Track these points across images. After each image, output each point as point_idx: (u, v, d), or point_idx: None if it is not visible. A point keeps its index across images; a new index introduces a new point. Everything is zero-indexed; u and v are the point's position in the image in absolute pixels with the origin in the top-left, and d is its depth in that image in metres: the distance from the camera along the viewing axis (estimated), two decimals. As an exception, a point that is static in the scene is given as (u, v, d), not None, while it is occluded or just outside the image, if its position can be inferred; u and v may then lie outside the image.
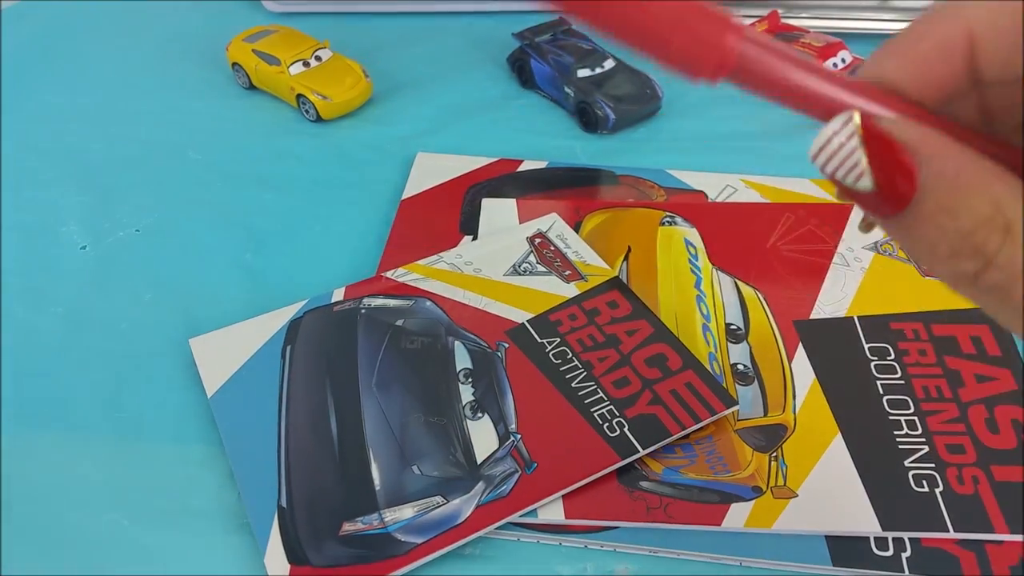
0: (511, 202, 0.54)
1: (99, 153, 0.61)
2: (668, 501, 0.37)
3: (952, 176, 0.15)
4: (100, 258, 0.52)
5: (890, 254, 0.49)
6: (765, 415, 0.41)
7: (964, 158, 0.15)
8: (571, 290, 0.46)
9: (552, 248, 0.49)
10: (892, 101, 0.16)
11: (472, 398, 0.41)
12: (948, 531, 0.35)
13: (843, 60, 0.63)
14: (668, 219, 0.52)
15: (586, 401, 0.40)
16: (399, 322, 0.44)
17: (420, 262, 0.48)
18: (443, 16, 0.77)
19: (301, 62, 0.64)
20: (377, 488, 0.37)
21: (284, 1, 0.76)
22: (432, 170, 0.57)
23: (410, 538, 0.35)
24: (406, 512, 0.36)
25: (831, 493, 0.37)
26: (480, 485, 0.37)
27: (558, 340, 0.43)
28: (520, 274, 0.48)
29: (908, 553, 0.35)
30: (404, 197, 0.55)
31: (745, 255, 0.49)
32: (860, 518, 0.36)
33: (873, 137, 0.15)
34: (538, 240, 0.50)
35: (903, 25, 0.67)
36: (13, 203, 0.56)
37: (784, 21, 0.68)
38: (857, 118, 0.15)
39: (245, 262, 0.51)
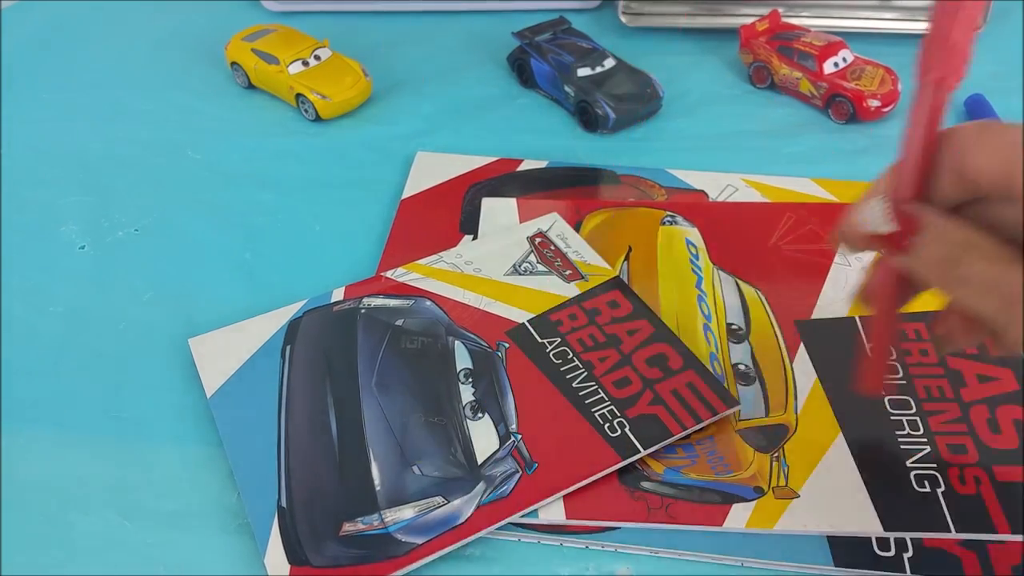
0: (511, 202, 0.54)
1: (99, 153, 0.61)
2: (669, 501, 0.37)
3: (941, 220, 0.26)
4: (100, 258, 0.52)
5: (891, 253, 0.49)
6: (766, 415, 0.40)
7: (948, 217, 0.26)
8: (572, 290, 0.46)
9: (552, 248, 0.49)
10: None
11: (472, 398, 0.41)
12: (950, 531, 0.35)
13: (844, 59, 0.63)
14: (669, 219, 0.52)
15: (587, 401, 0.40)
16: (399, 322, 0.44)
17: (420, 262, 0.48)
18: (443, 16, 0.77)
19: (300, 61, 0.64)
20: (377, 488, 0.37)
21: (283, 0, 0.76)
22: (432, 170, 0.57)
23: (410, 538, 0.35)
24: (406, 512, 0.36)
25: (833, 493, 0.37)
26: (481, 485, 0.37)
27: (559, 340, 0.43)
28: (520, 274, 0.48)
29: (910, 553, 0.35)
30: (404, 197, 0.55)
31: (746, 255, 0.49)
32: (862, 518, 0.35)
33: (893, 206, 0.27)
34: (538, 240, 0.50)
35: (903, 24, 0.67)
36: (13, 203, 0.56)
37: (785, 20, 0.68)
38: (883, 200, 0.28)
39: (244, 262, 0.51)
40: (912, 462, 0.38)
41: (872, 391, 0.33)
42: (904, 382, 0.41)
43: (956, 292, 0.26)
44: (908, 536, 0.35)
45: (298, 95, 0.63)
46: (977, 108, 0.62)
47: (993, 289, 0.24)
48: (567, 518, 0.36)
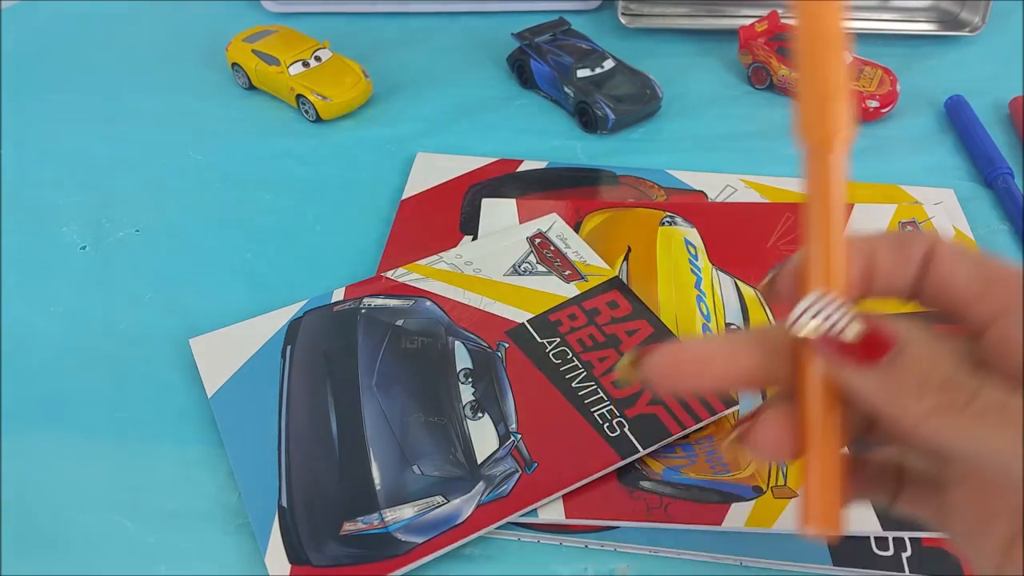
0: (511, 202, 0.54)
1: (100, 154, 0.61)
2: (668, 501, 0.37)
3: (924, 338, 0.19)
4: (100, 258, 0.52)
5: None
6: (765, 415, 0.40)
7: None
8: (571, 290, 0.46)
9: (552, 248, 0.49)
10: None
11: (472, 398, 0.41)
12: (948, 531, 0.35)
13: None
14: (668, 219, 0.52)
15: (586, 401, 0.40)
16: (399, 322, 0.44)
17: (420, 262, 0.48)
18: (443, 16, 0.77)
19: (301, 62, 0.64)
20: (377, 488, 0.37)
21: (284, 1, 0.76)
22: (432, 170, 0.57)
23: (410, 538, 0.35)
24: (406, 512, 0.36)
25: (831, 493, 0.37)
26: (480, 485, 0.37)
27: (558, 340, 0.43)
28: (520, 274, 0.48)
29: (908, 553, 0.35)
30: (404, 197, 0.55)
31: (745, 255, 0.50)
32: (860, 518, 0.36)
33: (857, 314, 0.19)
34: (538, 240, 0.50)
35: (902, 25, 0.66)
36: (13, 203, 0.56)
37: (784, 21, 0.68)
38: (833, 295, 0.20)
39: (245, 262, 0.51)
40: (911, 462, 0.38)
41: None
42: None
43: (948, 425, 0.18)
44: (906, 535, 0.35)
45: (299, 96, 0.63)
46: (957, 109, 0.62)
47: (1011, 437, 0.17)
48: (566, 517, 0.36)
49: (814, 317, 0.19)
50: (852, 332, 0.19)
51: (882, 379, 0.19)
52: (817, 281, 0.20)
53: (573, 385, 0.41)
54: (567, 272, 0.48)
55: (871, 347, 0.19)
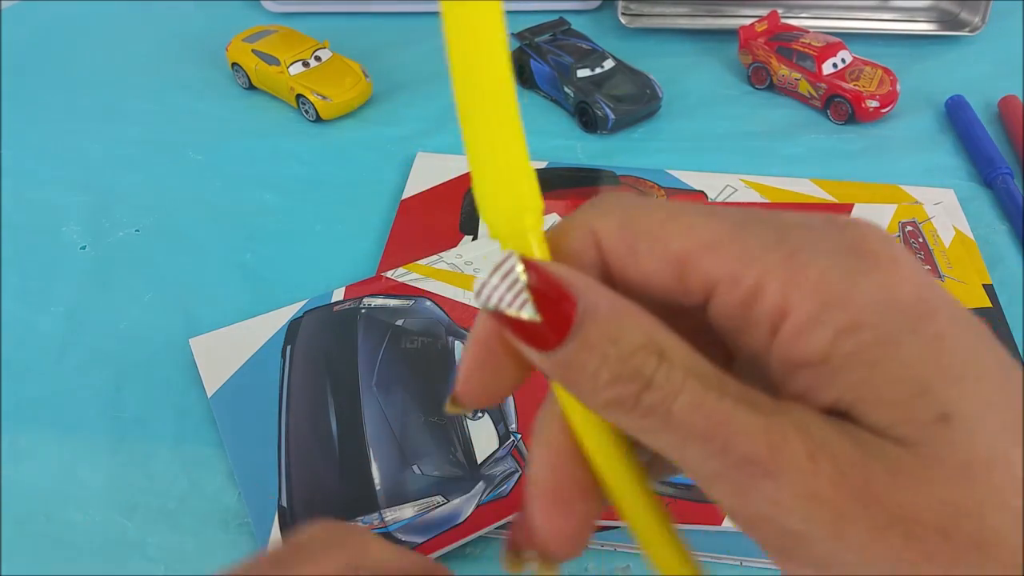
0: (511, 202, 0.54)
1: (100, 153, 0.61)
2: (669, 500, 0.37)
3: (608, 307, 0.16)
4: (100, 258, 0.52)
5: (890, 254, 0.49)
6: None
7: (615, 296, 0.16)
8: (571, 290, 0.46)
9: (552, 248, 0.49)
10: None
11: (472, 398, 0.41)
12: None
13: (842, 60, 0.63)
14: (668, 219, 0.52)
15: (586, 401, 0.40)
16: (399, 322, 0.44)
17: (420, 262, 0.48)
18: (443, 16, 0.77)
19: (301, 62, 0.64)
20: (377, 488, 0.37)
21: (284, 1, 0.76)
22: (432, 170, 0.57)
23: (411, 538, 0.35)
24: (406, 512, 0.36)
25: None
26: (480, 485, 0.37)
27: (558, 340, 0.43)
28: (520, 274, 0.48)
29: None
30: (404, 197, 0.55)
31: (745, 255, 0.49)
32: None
33: (532, 268, 0.16)
34: (538, 240, 0.50)
35: (902, 25, 0.66)
36: (13, 203, 0.56)
37: (784, 21, 0.68)
38: (516, 255, 0.16)
39: (245, 262, 0.51)
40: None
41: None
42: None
43: (625, 422, 0.16)
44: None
45: (298, 96, 0.63)
46: (957, 109, 0.62)
47: (711, 434, 0.15)
48: (567, 517, 0.36)
49: (495, 289, 0.16)
50: (528, 312, 0.16)
51: (561, 363, 0.16)
52: (507, 239, 0.17)
53: (573, 385, 0.41)
54: (567, 272, 0.48)
55: (552, 322, 0.16)
